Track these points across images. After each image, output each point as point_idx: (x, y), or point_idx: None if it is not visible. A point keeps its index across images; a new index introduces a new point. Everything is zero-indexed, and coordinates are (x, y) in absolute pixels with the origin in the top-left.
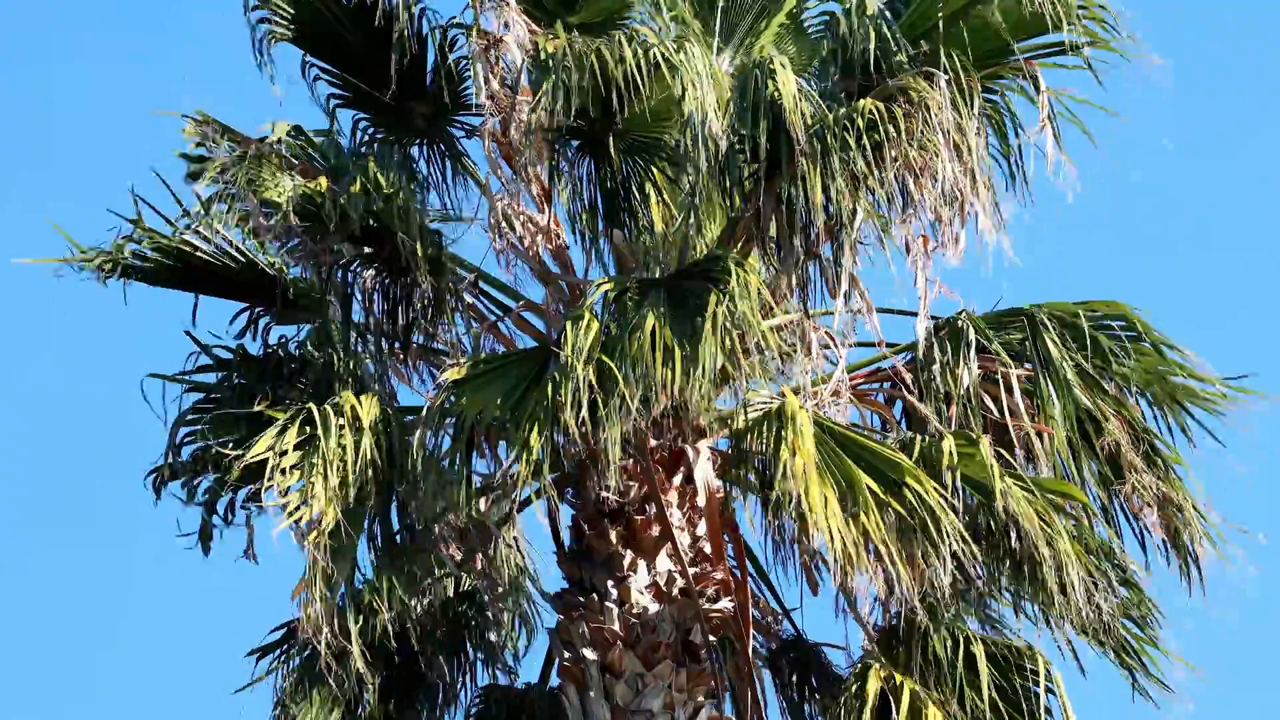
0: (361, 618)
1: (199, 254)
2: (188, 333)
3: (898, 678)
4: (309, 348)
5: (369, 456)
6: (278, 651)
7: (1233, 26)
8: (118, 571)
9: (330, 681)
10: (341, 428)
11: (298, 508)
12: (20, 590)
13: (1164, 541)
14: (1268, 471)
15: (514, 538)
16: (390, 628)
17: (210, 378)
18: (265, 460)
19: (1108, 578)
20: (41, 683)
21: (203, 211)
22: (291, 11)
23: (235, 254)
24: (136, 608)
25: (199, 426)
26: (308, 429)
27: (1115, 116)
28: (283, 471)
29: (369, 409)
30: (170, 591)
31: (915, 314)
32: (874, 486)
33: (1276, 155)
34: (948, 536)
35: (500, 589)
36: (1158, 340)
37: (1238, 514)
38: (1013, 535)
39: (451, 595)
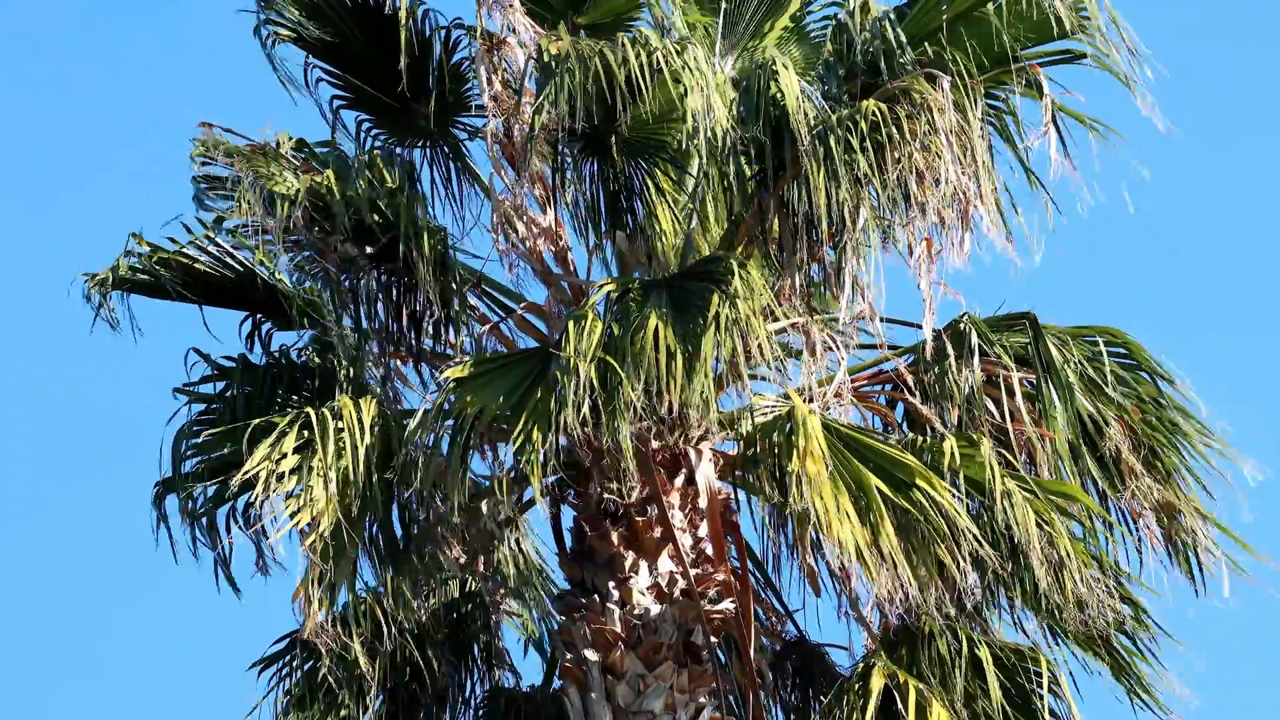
0: (365, 621)
1: (198, 266)
2: (195, 350)
3: (901, 676)
4: (312, 354)
5: (368, 459)
6: (281, 663)
7: (1239, 27)
8: (120, 579)
9: (334, 686)
10: (340, 431)
11: (295, 512)
12: (21, 599)
13: (1166, 548)
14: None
15: (516, 539)
16: (394, 630)
17: (211, 387)
18: (262, 470)
19: (1106, 587)
20: (44, 693)
21: (211, 225)
22: (294, 13)
23: (235, 264)
24: (140, 616)
25: (201, 439)
26: (305, 433)
27: (1114, 129)
28: (280, 476)
29: (368, 412)
30: (173, 600)
31: (918, 325)
32: (884, 489)
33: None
34: (959, 538)
35: (503, 590)
36: (1155, 371)
37: (1237, 522)
38: (1012, 538)
39: (457, 597)
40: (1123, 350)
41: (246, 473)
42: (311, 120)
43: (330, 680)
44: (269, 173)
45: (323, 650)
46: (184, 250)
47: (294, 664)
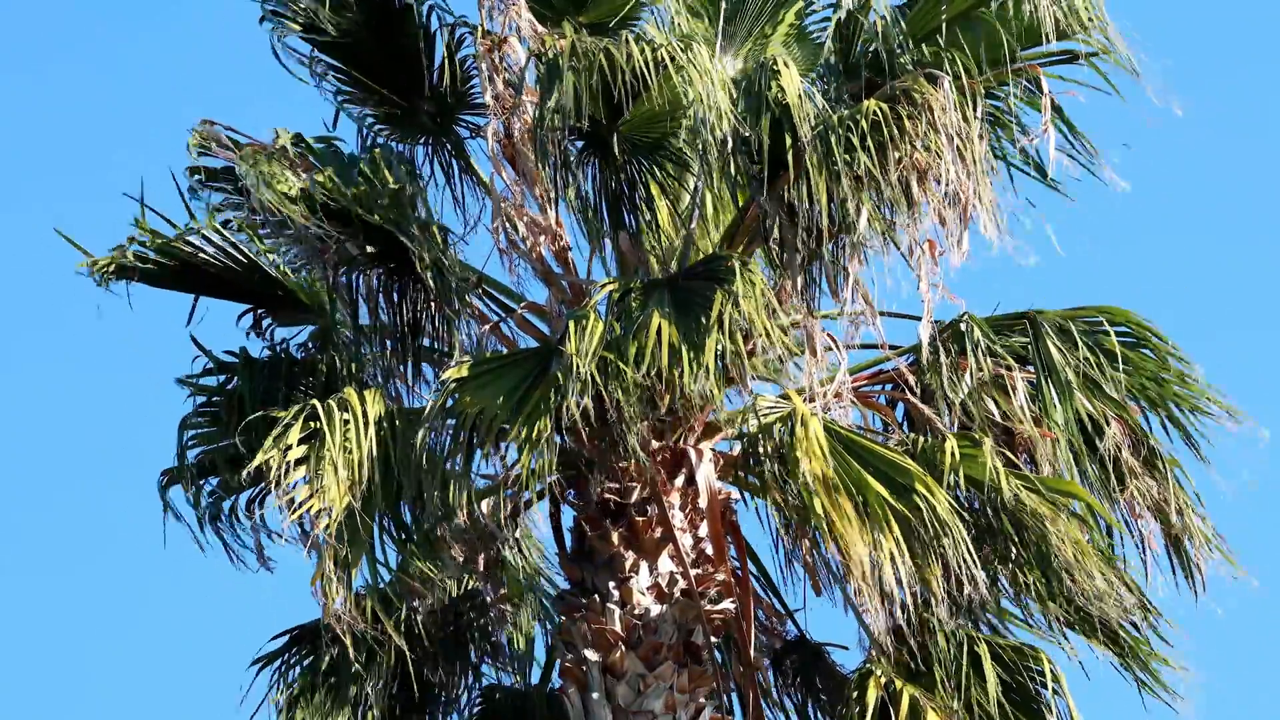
0: (385, 608)
1: (201, 255)
2: (194, 339)
3: (898, 684)
4: (312, 349)
5: (375, 451)
6: (280, 660)
7: (1242, 23)
8: (121, 577)
9: (337, 676)
10: (347, 422)
11: (309, 498)
12: (23, 598)
13: (1165, 546)
14: (1266, 476)
15: (516, 538)
16: (403, 621)
17: (214, 380)
18: (271, 460)
19: (1110, 581)
20: (46, 692)
21: (208, 215)
22: (300, 6)
23: (238, 256)
24: (142, 615)
25: (203, 430)
26: (313, 424)
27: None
28: (289, 467)
29: (374, 404)
30: (172, 596)
31: (919, 318)
32: (884, 493)
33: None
34: (957, 542)
35: (503, 590)
36: (1159, 347)
37: (1237, 519)
38: (1016, 537)
39: (457, 596)
40: (1125, 328)
41: (257, 463)
42: (312, 120)
43: (342, 668)
44: (270, 172)
45: (342, 635)
46: (186, 240)
47: (293, 660)
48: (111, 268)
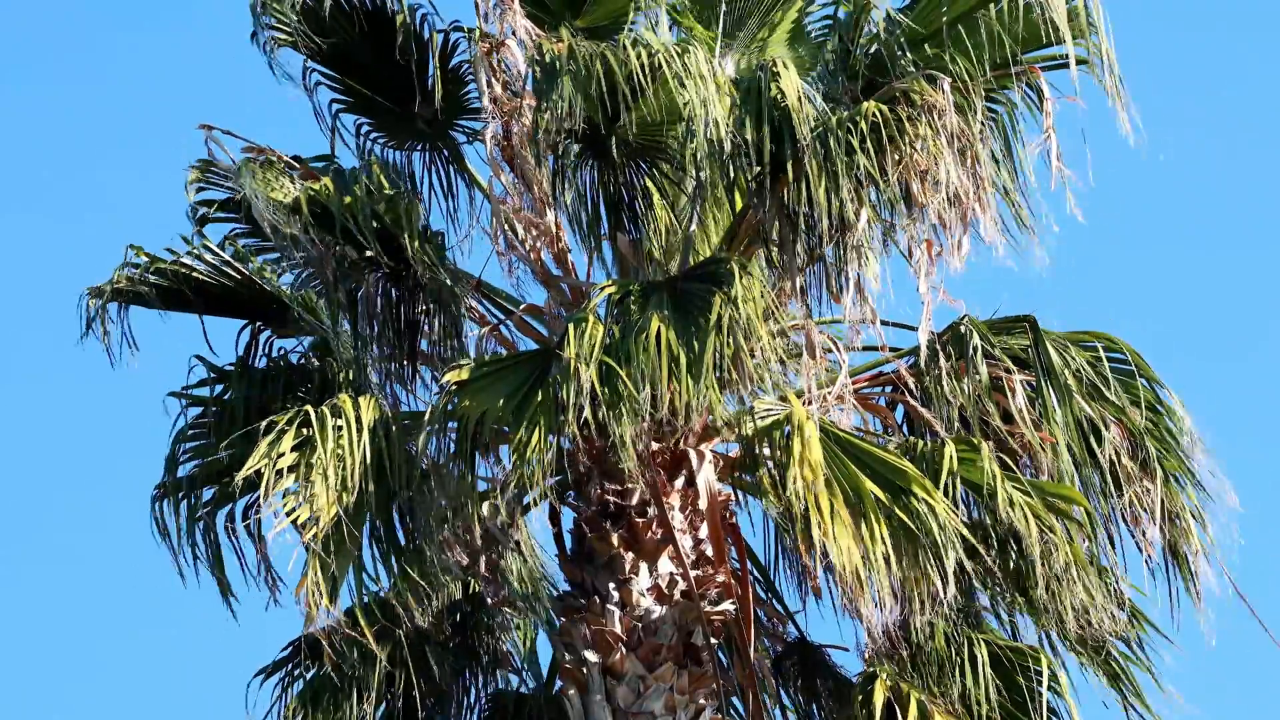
0: (374, 616)
1: (196, 274)
2: (199, 358)
3: (904, 687)
4: (310, 357)
5: (369, 458)
6: (284, 671)
7: (1248, 24)
8: (123, 586)
9: (338, 684)
10: (339, 429)
11: (295, 508)
12: (23, 606)
13: (1163, 552)
14: (1264, 483)
15: (517, 540)
16: (399, 629)
17: (209, 391)
18: (262, 468)
19: (1106, 592)
20: (51, 699)
21: (203, 237)
22: (293, 17)
23: (233, 273)
24: (145, 618)
25: (199, 442)
26: (305, 432)
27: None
28: (280, 474)
29: (368, 411)
30: (176, 602)
31: (915, 328)
32: (880, 494)
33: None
34: (952, 545)
35: (504, 592)
36: (1152, 377)
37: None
38: (1011, 545)
39: (459, 599)
40: (1121, 356)
41: (247, 471)
42: (310, 130)
43: (335, 679)
44: (268, 180)
45: (325, 645)
46: (181, 260)
47: (298, 672)
48: (107, 295)
